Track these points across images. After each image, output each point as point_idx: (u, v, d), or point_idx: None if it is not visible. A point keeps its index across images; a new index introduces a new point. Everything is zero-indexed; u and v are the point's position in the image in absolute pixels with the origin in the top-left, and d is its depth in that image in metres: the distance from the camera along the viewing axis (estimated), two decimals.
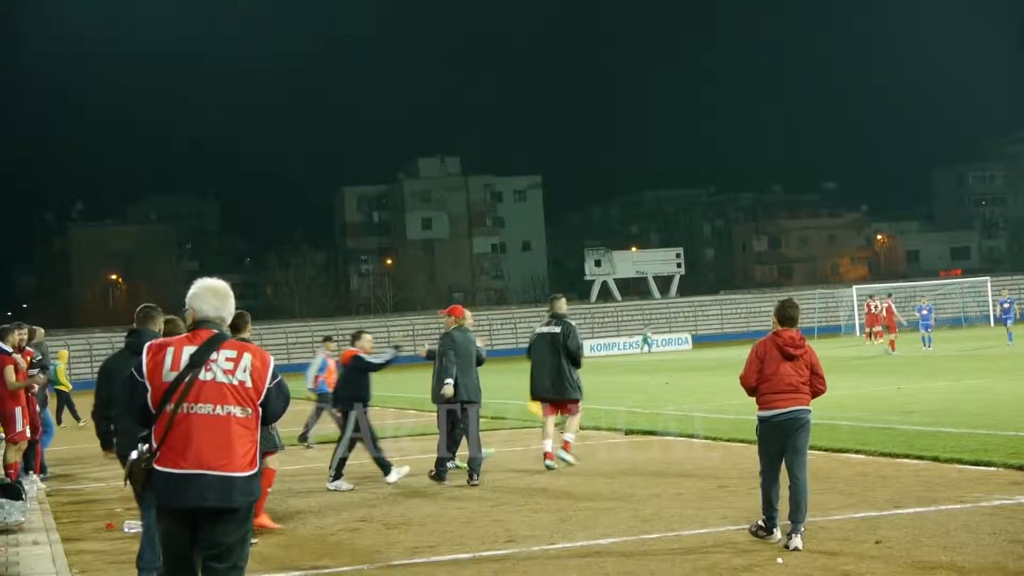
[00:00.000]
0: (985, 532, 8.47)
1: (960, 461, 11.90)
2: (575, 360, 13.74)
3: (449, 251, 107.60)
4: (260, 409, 5.40)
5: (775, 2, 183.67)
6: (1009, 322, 38.13)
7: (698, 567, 7.91)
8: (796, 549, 8.14)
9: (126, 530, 10.63)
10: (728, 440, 14.96)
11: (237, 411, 5.30)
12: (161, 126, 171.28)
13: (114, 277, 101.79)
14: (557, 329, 13.82)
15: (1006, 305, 38.83)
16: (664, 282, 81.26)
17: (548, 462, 13.70)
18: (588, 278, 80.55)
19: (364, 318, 74.98)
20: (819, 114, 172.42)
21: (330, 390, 16.33)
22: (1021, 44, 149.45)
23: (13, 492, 11.51)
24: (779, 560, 7.92)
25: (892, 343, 36.95)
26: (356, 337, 13.89)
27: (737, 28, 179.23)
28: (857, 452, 13.17)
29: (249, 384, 5.33)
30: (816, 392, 8.63)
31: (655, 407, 18.18)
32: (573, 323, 14.10)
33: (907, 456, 12.54)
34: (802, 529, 8.32)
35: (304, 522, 10.89)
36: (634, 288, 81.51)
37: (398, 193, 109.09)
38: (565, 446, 13.95)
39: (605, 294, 78.42)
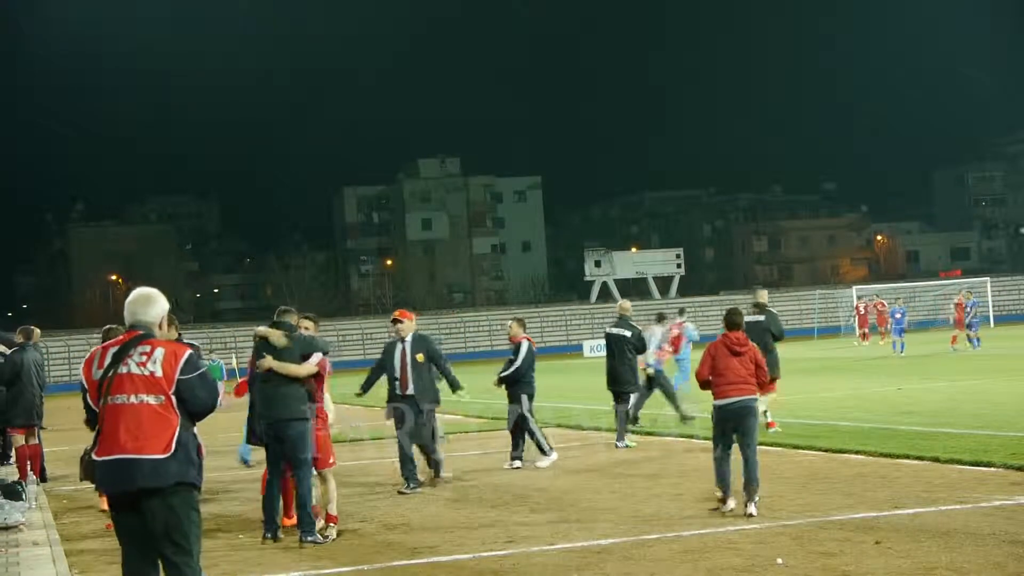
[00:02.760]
0: (985, 532, 8.47)
1: (960, 461, 11.91)
2: (777, 339, 15.82)
3: (449, 251, 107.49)
4: (175, 397, 5.85)
5: (775, 2, 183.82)
6: (975, 328, 37.27)
7: (698, 567, 7.91)
8: (751, 515, 9.50)
9: None
10: None
11: (151, 399, 5.83)
12: (161, 126, 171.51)
13: (114, 277, 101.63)
14: (762, 317, 15.75)
15: (970, 308, 38.01)
16: (664, 283, 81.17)
17: (770, 429, 15.18)
18: (588, 279, 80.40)
19: (364, 319, 74.90)
20: (819, 114, 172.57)
21: (663, 368, 17.93)
22: (1021, 44, 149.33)
23: (13, 492, 11.53)
24: (779, 560, 7.93)
25: (954, 339, 36.39)
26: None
27: (737, 28, 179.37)
28: (857, 452, 13.18)
29: (160, 374, 5.85)
30: (760, 382, 10.19)
31: (655, 407, 18.18)
32: (774, 310, 16.27)
33: (907, 456, 12.55)
34: (756, 498, 9.67)
35: None
36: (634, 289, 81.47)
37: (398, 193, 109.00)
38: None
39: (605, 295, 78.26)
